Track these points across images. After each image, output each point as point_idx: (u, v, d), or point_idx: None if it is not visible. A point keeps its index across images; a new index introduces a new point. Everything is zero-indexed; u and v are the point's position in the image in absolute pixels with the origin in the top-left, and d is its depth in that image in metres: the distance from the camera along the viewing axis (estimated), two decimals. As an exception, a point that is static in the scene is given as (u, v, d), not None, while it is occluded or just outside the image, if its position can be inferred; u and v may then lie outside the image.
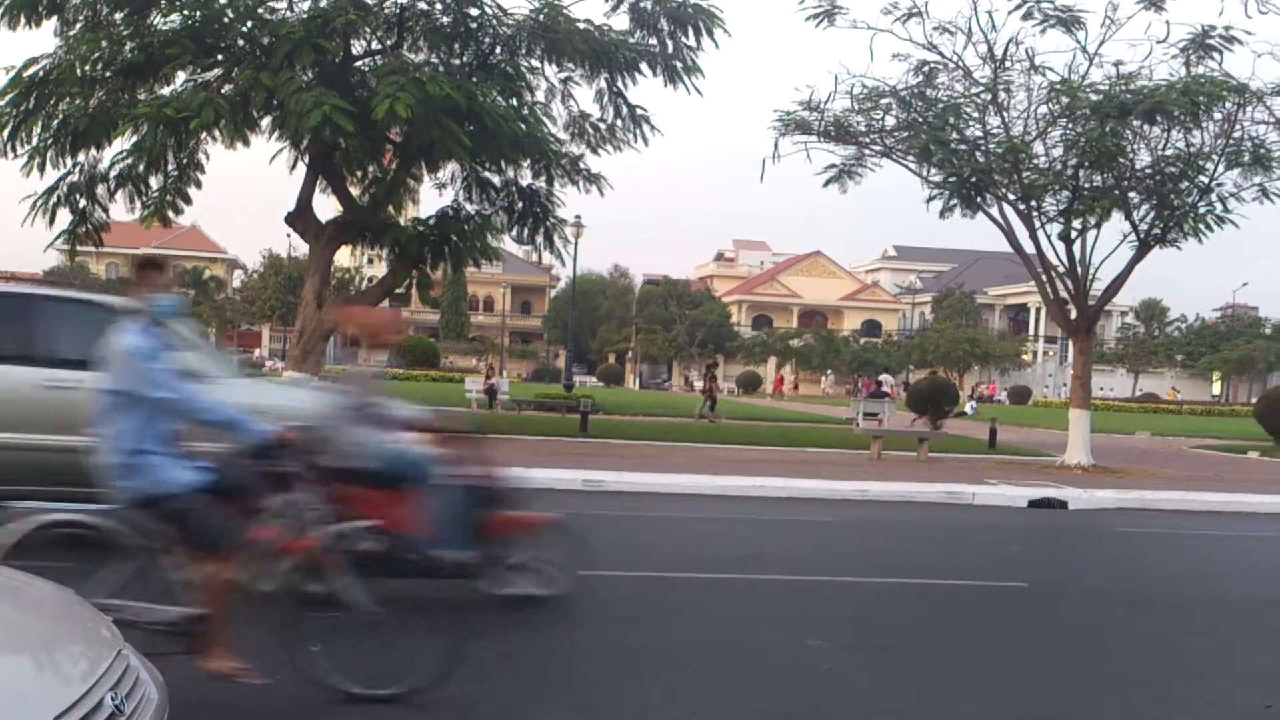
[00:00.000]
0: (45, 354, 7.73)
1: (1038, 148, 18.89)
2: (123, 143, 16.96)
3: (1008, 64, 18.68)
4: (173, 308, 4.99)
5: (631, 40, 17.95)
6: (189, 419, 4.77)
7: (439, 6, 17.13)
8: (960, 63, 18.91)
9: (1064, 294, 19.95)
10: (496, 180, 19.92)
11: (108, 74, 16.52)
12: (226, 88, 16.31)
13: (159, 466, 4.65)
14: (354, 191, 19.69)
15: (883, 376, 48.72)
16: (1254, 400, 42.58)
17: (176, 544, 4.63)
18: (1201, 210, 18.14)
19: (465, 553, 6.32)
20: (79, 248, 19.61)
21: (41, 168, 17.30)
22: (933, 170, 19.25)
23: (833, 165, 20.24)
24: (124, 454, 4.63)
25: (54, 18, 17.04)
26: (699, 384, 67.00)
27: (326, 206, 20.09)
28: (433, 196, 21.79)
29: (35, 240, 49.68)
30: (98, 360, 4.81)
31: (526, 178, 19.70)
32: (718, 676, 5.58)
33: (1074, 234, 19.13)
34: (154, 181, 18.59)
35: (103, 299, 7.93)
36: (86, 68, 16.18)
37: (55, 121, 16.91)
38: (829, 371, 75.04)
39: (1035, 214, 19.23)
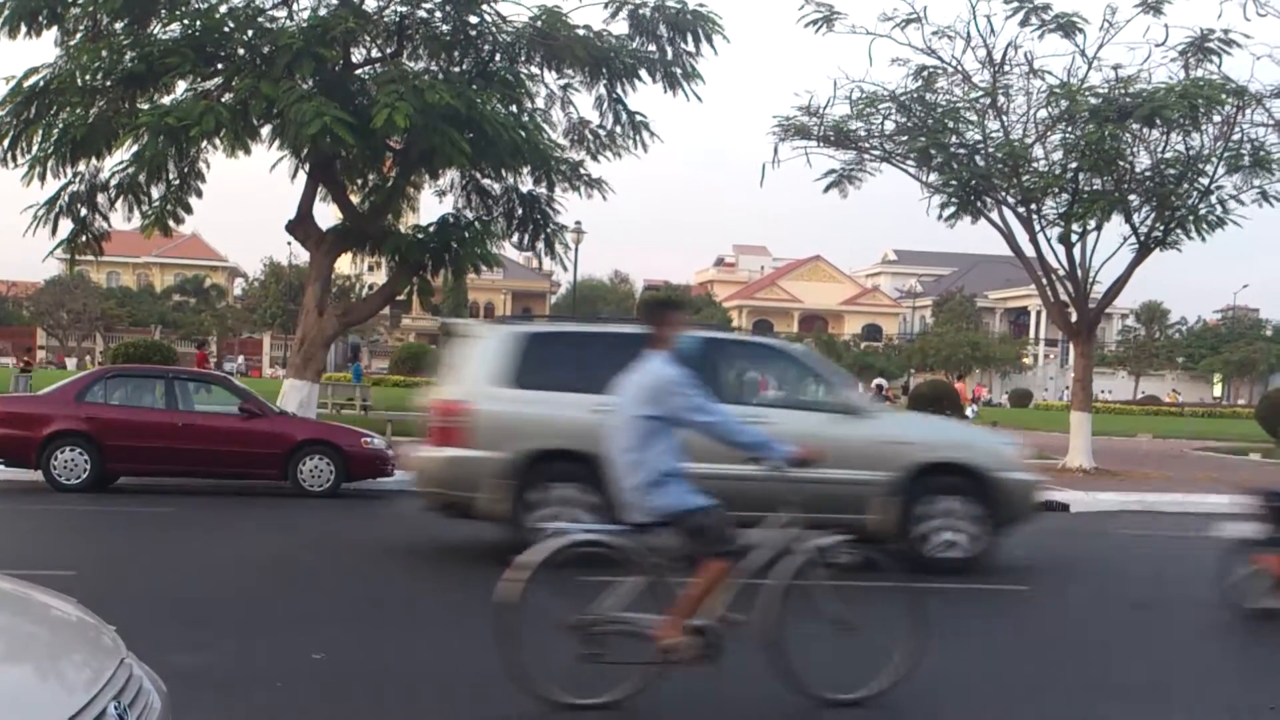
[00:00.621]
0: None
1: (1037, 151, 18.90)
2: (123, 152, 16.95)
3: (1007, 68, 18.72)
4: (691, 342, 5.52)
5: (631, 47, 17.94)
6: (725, 441, 5.19)
7: (439, 15, 17.16)
8: (959, 67, 18.95)
9: (1064, 297, 19.94)
10: (496, 187, 19.91)
11: (108, 83, 16.53)
12: (227, 97, 16.30)
13: (680, 487, 5.01)
14: (354, 199, 19.68)
15: (878, 381, 48.82)
16: (1255, 402, 42.57)
17: (688, 556, 4.97)
18: (1202, 212, 18.15)
19: None
20: (78, 257, 19.61)
21: (42, 177, 17.29)
22: (932, 174, 19.27)
23: (832, 170, 20.23)
24: (655, 474, 4.98)
25: (54, 27, 17.02)
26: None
27: (327, 214, 20.09)
28: (433, 204, 21.89)
29: (32, 248, 49.68)
30: (630, 390, 5.12)
31: (526, 184, 19.68)
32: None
33: (1074, 237, 19.14)
34: (155, 190, 18.56)
35: (785, 346, 10.23)
36: (87, 77, 16.18)
37: (56, 131, 16.89)
38: None
39: (1035, 217, 19.24)
